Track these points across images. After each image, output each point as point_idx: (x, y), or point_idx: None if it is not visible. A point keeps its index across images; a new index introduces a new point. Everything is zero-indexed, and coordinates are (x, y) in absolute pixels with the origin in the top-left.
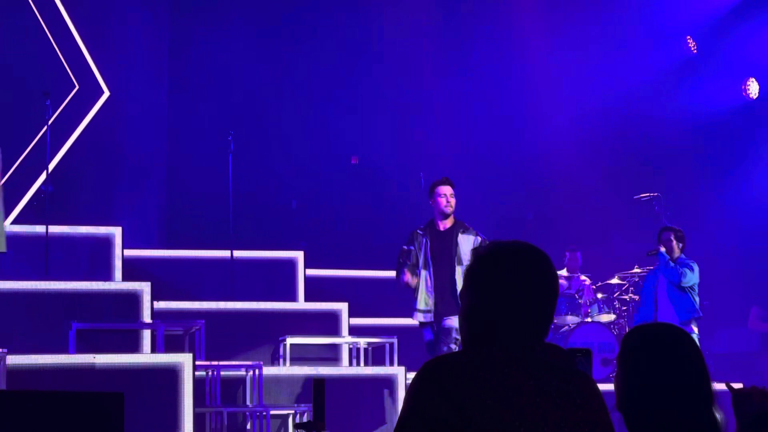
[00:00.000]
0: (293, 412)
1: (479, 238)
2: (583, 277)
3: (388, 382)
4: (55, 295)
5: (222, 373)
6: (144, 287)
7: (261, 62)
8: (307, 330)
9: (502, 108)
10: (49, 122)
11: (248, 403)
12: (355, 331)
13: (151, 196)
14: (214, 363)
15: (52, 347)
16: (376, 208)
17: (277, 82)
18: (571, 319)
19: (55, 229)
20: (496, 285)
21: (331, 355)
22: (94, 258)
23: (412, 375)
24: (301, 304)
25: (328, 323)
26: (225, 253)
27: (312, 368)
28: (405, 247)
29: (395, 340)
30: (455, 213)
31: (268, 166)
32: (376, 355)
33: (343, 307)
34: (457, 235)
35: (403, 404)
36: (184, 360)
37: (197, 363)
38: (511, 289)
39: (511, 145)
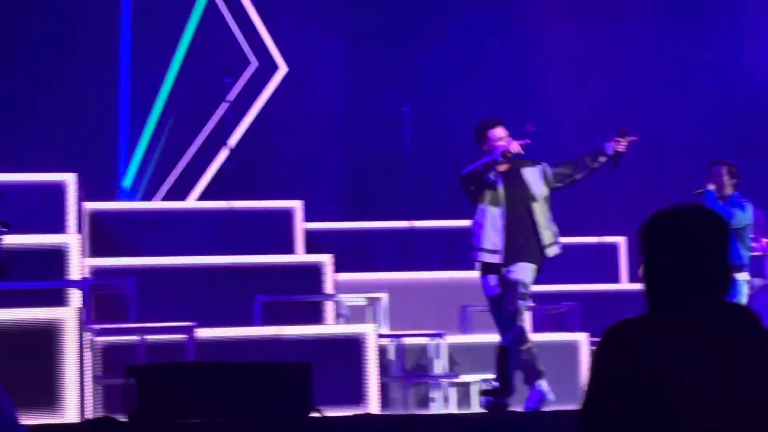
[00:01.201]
0: (477, 380)
1: (541, 166)
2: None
3: (570, 349)
4: (240, 269)
5: (405, 342)
6: (326, 259)
7: (436, 36)
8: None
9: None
10: (229, 100)
11: (432, 372)
12: (535, 297)
13: (330, 170)
14: (397, 333)
15: (238, 320)
16: None
17: (453, 53)
18: (757, 282)
19: (237, 204)
20: (677, 244)
21: None
22: (276, 232)
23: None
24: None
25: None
26: (404, 224)
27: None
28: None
29: (576, 305)
30: None
31: (443, 139)
32: (556, 321)
33: None
34: (520, 172)
35: (590, 371)
36: (367, 330)
37: (380, 333)
38: (692, 248)
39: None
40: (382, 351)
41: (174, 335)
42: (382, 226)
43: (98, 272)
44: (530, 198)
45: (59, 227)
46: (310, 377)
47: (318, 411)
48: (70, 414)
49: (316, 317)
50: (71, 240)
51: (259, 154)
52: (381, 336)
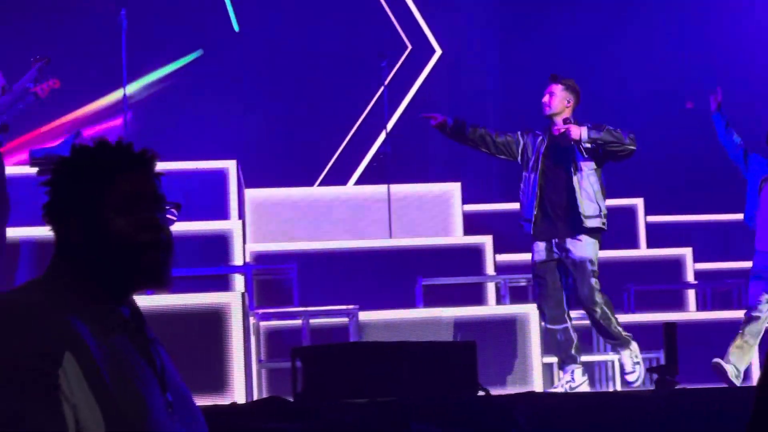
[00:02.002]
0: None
1: (586, 127)
2: None
3: (735, 326)
4: (401, 252)
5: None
6: (486, 240)
7: (594, 10)
8: (650, 277)
9: None
10: (386, 83)
11: (597, 350)
12: (699, 275)
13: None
14: None
15: (399, 303)
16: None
17: (613, 29)
18: None
19: (396, 188)
20: None
21: (675, 300)
22: (435, 215)
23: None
24: (643, 251)
25: (671, 270)
26: None
27: (661, 314)
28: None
29: (740, 283)
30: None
31: (606, 115)
32: (720, 299)
33: (686, 252)
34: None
35: (762, 373)
36: (529, 311)
37: None
38: None
39: None
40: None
41: (336, 318)
42: None
43: (260, 257)
44: (575, 168)
45: (222, 213)
46: (474, 356)
47: (484, 390)
48: (237, 396)
49: (477, 298)
50: (234, 226)
51: (416, 137)
52: None
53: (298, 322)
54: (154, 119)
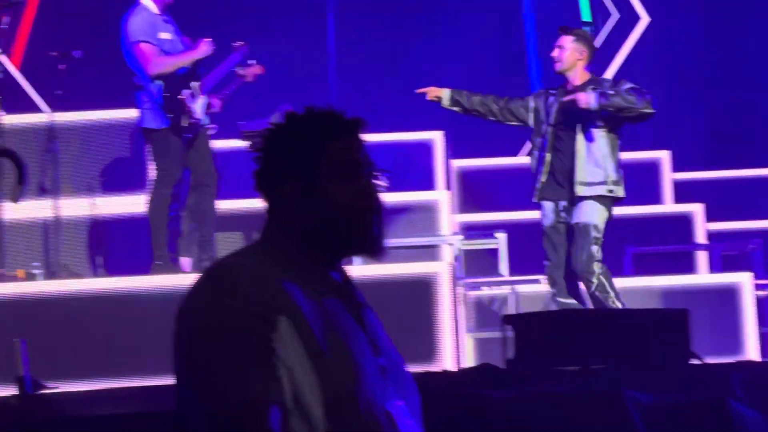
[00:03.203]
0: None
1: (595, 93)
2: None
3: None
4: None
5: None
6: (696, 209)
7: None
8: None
9: None
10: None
11: None
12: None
13: (693, 118)
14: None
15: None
16: None
17: None
18: None
19: None
20: None
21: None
22: (644, 183)
23: None
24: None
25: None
26: None
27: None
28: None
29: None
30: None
31: None
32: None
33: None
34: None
35: None
36: (742, 280)
37: (756, 282)
38: None
39: None
40: (760, 300)
41: (544, 287)
42: (751, 174)
43: (467, 228)
44: (580, 129)
45: (428, 184)
46: (687, 324)
47: (698, 358)
48: (447, 364)
49: (688, 267)
50: (441, 196)
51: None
52: (757, 285)
53: (506, 291)
54: (361, 89)
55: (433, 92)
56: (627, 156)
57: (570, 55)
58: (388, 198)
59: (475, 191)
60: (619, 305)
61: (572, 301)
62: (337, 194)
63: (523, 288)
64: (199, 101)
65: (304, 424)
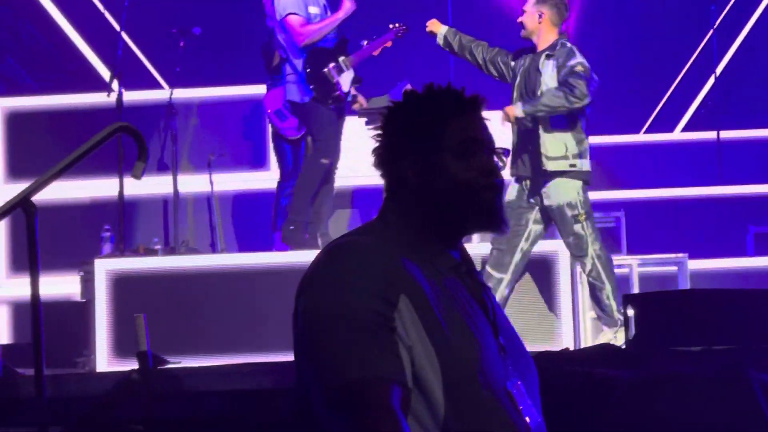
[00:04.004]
0: None
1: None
2: None
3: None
4: (730, 200)
5: None
6: None
7: None
8: None
9: None
10: (714, 26)
11: None
12: None
13: None
14: None
15: (730, 251)
16: None
17: None
18: None
19: (726, 134)
20: None
21: None
22: (766, 161)
23: None
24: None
25: None
26: None
27: None
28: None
29: None
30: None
31: None
32: None
33: None
34: (540, 61)
35: None
36: None
37: None
38: None
39: None
40: None
41: (665, 267)
42: None
43: None
44: (526, 92)
45: None
46: None
47: None
48: (566, 343)
49: None
50: None
51: (747, 82)
52: None
53: (625, 270)
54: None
55: (431, 25)
56: (750, 134)
57: (529, 19)
58: (507, 176)
59: (595, 169)
60: (614, 305)
61: (497, 275)
62: (457, 171)
63: (642, 267)
64: (346, 75)
65: (424, 404)
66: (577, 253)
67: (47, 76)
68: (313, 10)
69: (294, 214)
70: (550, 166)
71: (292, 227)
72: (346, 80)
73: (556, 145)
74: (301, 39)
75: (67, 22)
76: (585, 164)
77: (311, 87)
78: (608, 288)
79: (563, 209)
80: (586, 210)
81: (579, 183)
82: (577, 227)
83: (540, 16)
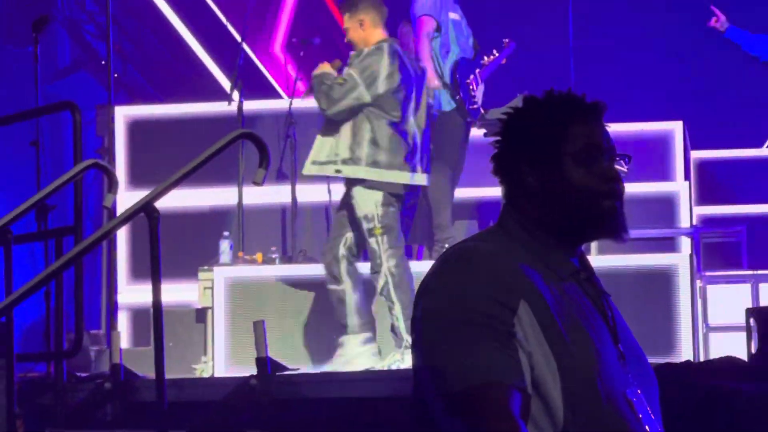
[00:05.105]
0: None
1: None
2: None
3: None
4: None
5: None
6: None
7: None
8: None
9: None
10: None
11: None
12: None
13: None
14: None
15: None
16: None
17: None
18: None
19: None
20: None
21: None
22: None
23: None
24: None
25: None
26: None
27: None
28: None
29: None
30: None
31: None
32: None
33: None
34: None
35: None
36: None
37: None
38: None
39: None
40: None
41: None
42: None
43: (707, 220)
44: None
45: (667, 175)
46: None
47: None
48: (686, 356)
49: None
50: (680, 188)
51: None
52: None
53: (747, 285)
54: (599, 79)
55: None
56: None
57: (353, 33)
58: (627, 188)
59: (715, 183)
60: (403, 326)
61: (331, 286)
62: (578, 178)
63: (765, 283)
64: (480, 88)
65: (543, 410)
66: (372, 269)
67: (168, 85)
68: (453, 15)
69: (441, 232)
70: (312, 170)
71: (441, 245)
72: (480, 93)
73: (326, 150)
74: (419, 45)
75: (189, 33)
76: (345, 171)
77: (456, 98)
78: (397, 308)
79: (360, 223)
80: (384, 224)
81: (371, 189)
82: (372, 240)
83: (361, 24)
